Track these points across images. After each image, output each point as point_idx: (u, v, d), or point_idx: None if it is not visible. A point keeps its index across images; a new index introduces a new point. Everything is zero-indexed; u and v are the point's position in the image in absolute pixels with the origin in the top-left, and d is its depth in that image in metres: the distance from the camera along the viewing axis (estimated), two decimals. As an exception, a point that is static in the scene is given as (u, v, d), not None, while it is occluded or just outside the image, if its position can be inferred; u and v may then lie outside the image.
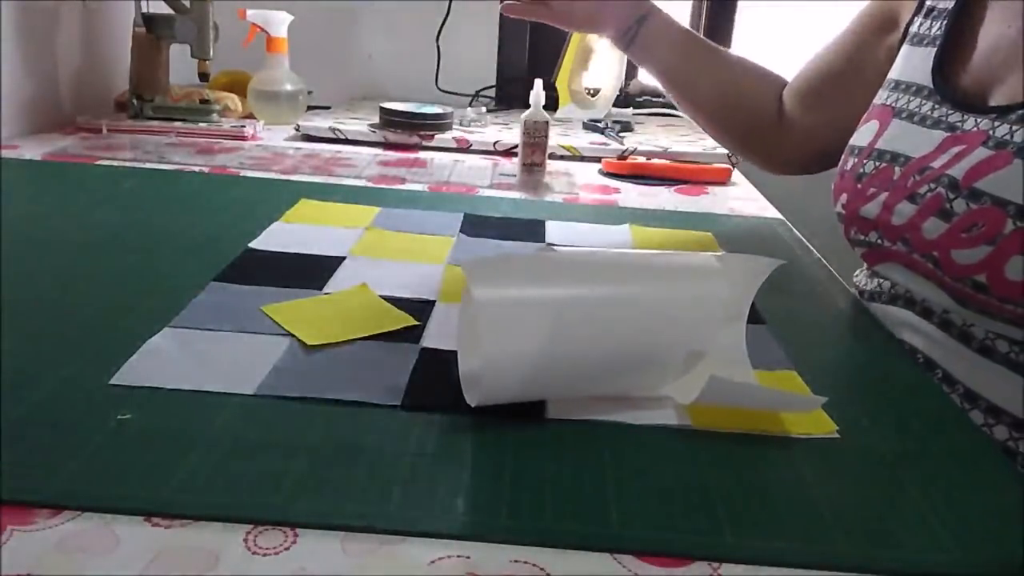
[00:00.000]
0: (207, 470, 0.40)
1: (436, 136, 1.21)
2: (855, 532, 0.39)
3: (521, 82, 1.51)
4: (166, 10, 1.19)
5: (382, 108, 1.23)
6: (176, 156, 1.04)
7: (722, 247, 0.81)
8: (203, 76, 1.22)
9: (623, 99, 1.49)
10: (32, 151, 1.02)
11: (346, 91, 1.53)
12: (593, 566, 0.36)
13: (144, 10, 1.19)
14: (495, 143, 1.22)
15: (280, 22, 1.26)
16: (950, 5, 0.73)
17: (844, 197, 0.74)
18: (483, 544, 0.37)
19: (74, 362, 0.49)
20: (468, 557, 0.36)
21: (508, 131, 1.30)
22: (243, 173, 0.99)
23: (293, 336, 0.54)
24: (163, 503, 0.37)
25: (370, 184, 0.98)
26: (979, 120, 0.64)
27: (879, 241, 0.70)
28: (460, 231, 0.80)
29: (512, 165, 1.13)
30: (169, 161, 1.02)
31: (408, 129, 1.21)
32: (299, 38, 1.31)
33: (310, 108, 1.34)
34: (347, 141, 1.21)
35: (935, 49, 0.72)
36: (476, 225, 0.82)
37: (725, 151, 1.16)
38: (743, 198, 1.05)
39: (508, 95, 1.54)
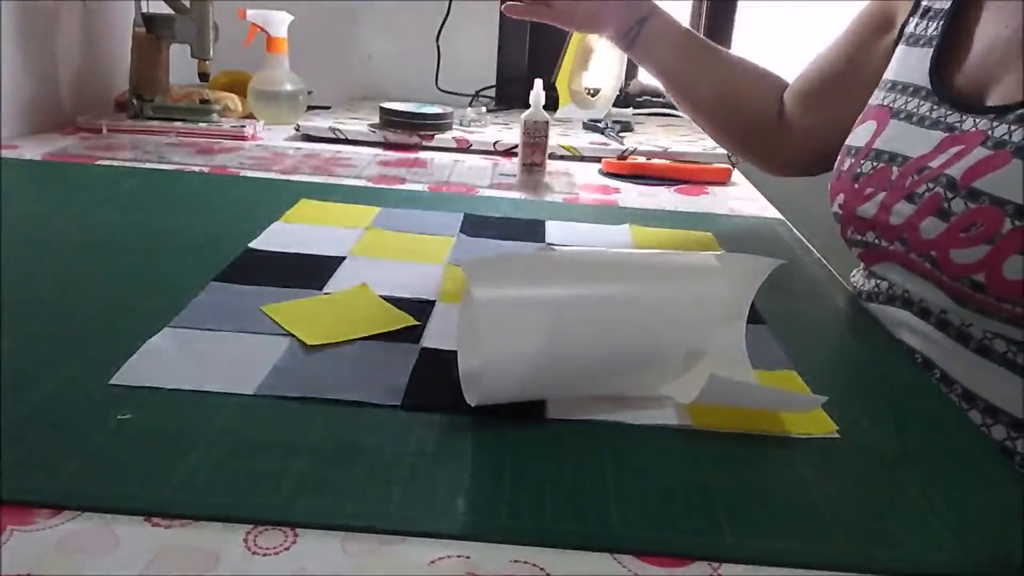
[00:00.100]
0: (207, 470, 0.40)
1: (436, 136, 1.21)
2: (855, 532, 0.39)
3: (521, 82, 1.51)
4: (166, 10, 1.19)
5: (382, 108, 1.23)
6: (176, 156, 1.04)
7: (722, 247, 0.81)
8: (203, 76, 1.22)
9: (623, 99, 1.49)
10: (32, 151, 1.02)
11: (346, 91, 1.53)
12: (593, 566, 0.36)
13: (144, 10, 1.19)
14: (495, 143, 1.22)
15: (280, 22, 1.26)
16: (946, 5, 0.73)
17: (841, 197, 0.74)
18: (483, 544, 0.37)
19: (74, 362, 0.49)
20: (468, 557, 0.36)
21: (508, 131, 1.30)
22: (243, 173, 0.99)
23: (293, 336, 0.54)
24: (163, 503, 0.37)
25: (370, 184, 0.98)
26: (977, 120, 0.64)
27: (876, 241, 0.70)
28: (460, 231, 0.80)
29: (512, 165, 1.13)
30: (169, 161, 1.02)
31: (408, 129, 1.21)
32: (299, 38, 1.31)
33: (310, 108, 1.34)
34: (347, 141, 1.21)
35: (932, 49, 0.72)
36: (476, 225, 0.82)
37: (725, 151, 1.16)
38: (743, 198, 1.05)
39: (508, 95, 1.54)
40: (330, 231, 0.77)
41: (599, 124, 1.33)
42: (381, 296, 0.62)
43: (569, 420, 0.47)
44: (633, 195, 1.02)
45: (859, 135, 0.76)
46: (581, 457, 0.44)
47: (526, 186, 1.02)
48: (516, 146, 1.10)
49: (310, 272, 0.66)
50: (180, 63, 1.23)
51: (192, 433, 0.43)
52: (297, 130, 1.23)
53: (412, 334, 0.56)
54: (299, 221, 0.79)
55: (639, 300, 0.48)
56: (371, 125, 1.24)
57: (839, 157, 0.77)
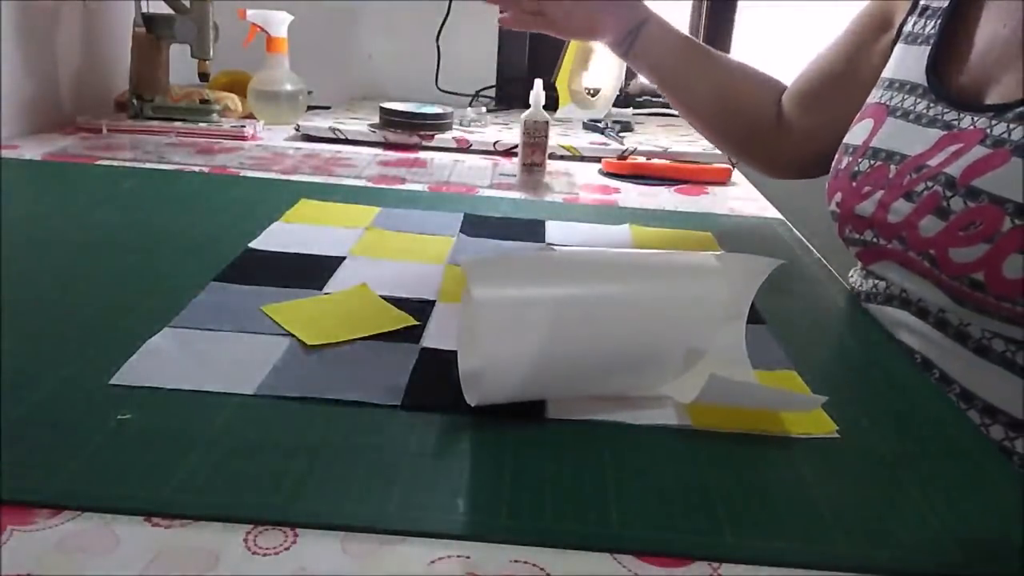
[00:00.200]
0: (207, 470, 0.40)
1: (436, 136, 1.21)
2: (855, 532, 0.39)
3: (521, 82, 1.51)
4: (166, 10, 1.19)
5: (382, 108, 1.23)
6: (176, 156, 1.04)
7: (722, 247, 0.81)
8: (203, 76, 1.22)
9: (623, 99, 1.49)
10: (32, 151, 1.02)
11: (346, 91, 1.53)
12: (593, 566, 0.36)
13: (144, 10, 1.19)
14: (495, 143, 1.22)
15: (280, 22, 1.26)
16: (944, 4, 0.73)
17: (839, 196, 0.74)
18: (483, 544, 0.37)
19: (74, 362, 0.49)
20: (468, 557, 0.36)
21: (508, 131, 1.30)
22: (243, 173, 0.99)
23: (293, 336, 0.54)
24: (163, 503, 0.37)
25: (370, 184, 0.98)
26: (976, 118, 0.64)
27: (875, 240, 0.70)
28: (460, 231, 0.80)
29: (512, 165, 1.13)
30: (169, 161, 1.02)
31: (408, 129, 1.21)
32: (299, 38, 1.31)
33: (310, 108, 1.34)
34: (347, 141, 1.21)
35: (929, 48, 0.72)
36: (476, 225, 0.82)
37: (725, 152, 1.16)
38: (743, 198, 1.05)
39: (508, 95, 1.54)
40: (330, 231, 0.77)
41: (599, 124, 1.34)
42: (381, 296, 0.62)
43: (569, 420, 0.47)
44: (633, 195, 1.02)
45: (856, 133, 0.76)
46: (581, 457, 0.44)
47: (526, 186, 1.02)
48: (516, 146, 1.10)
49: (310, 272, 0.66)
50: (180, 63, 1.23)
51: (192, 433, 0.43)
52: (297, 130, 1.23)
53: (412, 334, 0.56)
54: (299, 221, 0.79)
55: (639, 300, 0.48)
56: (371, 125, 1.24)
57: (837, 155, 0.77)
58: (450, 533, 0.37)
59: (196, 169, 0.99)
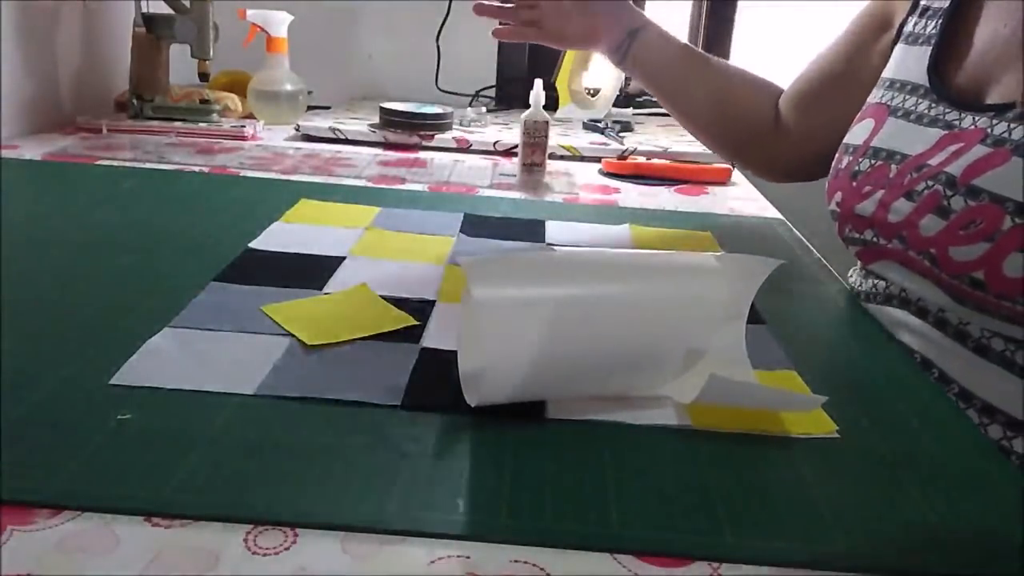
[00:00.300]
0: (207, 470, 0.40)
1: (436, 136, 1.21)
2: (855, 532, 0.39)
3: (521, 82, 1.51)
4: (166, 10, 1.19)
5: (382, 108, 1.23)
6: (176, 156, 1.04)
7: (722, 247, 0.81)
8: (203, 76, 1.22)
9: (623, 99, 1.49)
10: (32, 151, 1.02)
11: (346, 91, 1.53)
12: (593, 566, 0.36)
13: (144, 10, 1.19)
14: (495, 143, 1.22)
15: (280, 22, 1.26)
16: (944, 4, 0.73)
17: (839, 195, 0.74)
18: (483, 544, 0.37)
19: (74, 362, 0.49)
20: (468, 557, 0.36)
21: (508, 131, 1.30)
22: (243, 173, 0.99)
23: (293, 336, 0.54)
24: (163, 503, 0.37)
25: (370, 184, 0.98)
26: (976, 118, 0.64)
27: (875, 239, 0.70)
28: (460, 231, 0.80)
29: (512, 165, 1.13)
30: (169, 161, 1.02)
31: (408, 129, 1.21)
32: (299, 38, 1.31)
33: (310, 108, 1.34)
34: (347, 141, 1.21)
35: (930, 48, 0.72)
36: (476, 225, 0.82)
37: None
38: (743, 198, 1.05)
39: (508, 95, 1.54)
40: (330, 231, 0.77)
41: (599, 124, 1.34)
42: (381, 296, 0.62)
43: (569, 420, 0.47)
44: (633, 195, 1.02)
45: (857, 133, 0.76)
46: (581, 457, 0.44)
47: (526, 186, 1.02)
48: (516, 146, 1.10)
49: (310, 272, 0.66)
50: (180, 63, 1.23)
51: (192, 433, 0.43)
52: (297, 130, 1.23)
53: (412, 334, 0.56)
54: (299, 221, 0.79)
55: (639, 300, 0.48)
56: (371, 125, 1.24)
57: (837, 155, 0.77)
58: (450, 533, 0.37)
59: (196, 169, 0.99)
